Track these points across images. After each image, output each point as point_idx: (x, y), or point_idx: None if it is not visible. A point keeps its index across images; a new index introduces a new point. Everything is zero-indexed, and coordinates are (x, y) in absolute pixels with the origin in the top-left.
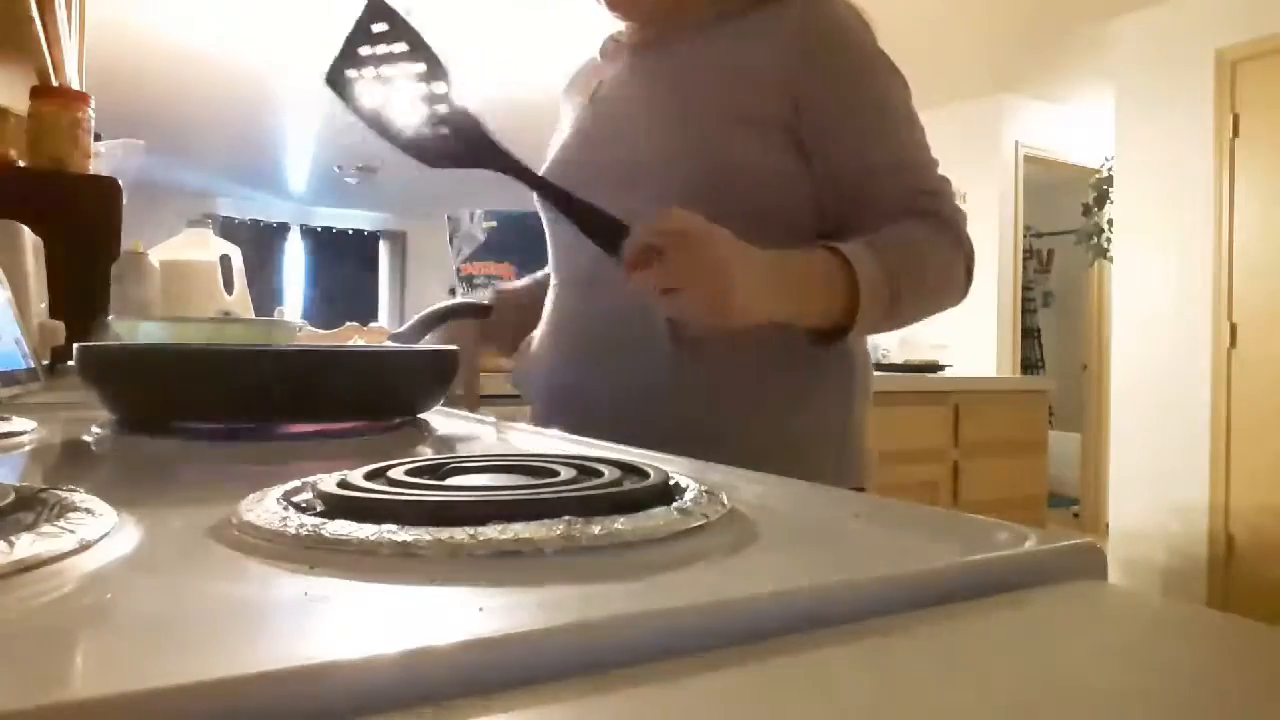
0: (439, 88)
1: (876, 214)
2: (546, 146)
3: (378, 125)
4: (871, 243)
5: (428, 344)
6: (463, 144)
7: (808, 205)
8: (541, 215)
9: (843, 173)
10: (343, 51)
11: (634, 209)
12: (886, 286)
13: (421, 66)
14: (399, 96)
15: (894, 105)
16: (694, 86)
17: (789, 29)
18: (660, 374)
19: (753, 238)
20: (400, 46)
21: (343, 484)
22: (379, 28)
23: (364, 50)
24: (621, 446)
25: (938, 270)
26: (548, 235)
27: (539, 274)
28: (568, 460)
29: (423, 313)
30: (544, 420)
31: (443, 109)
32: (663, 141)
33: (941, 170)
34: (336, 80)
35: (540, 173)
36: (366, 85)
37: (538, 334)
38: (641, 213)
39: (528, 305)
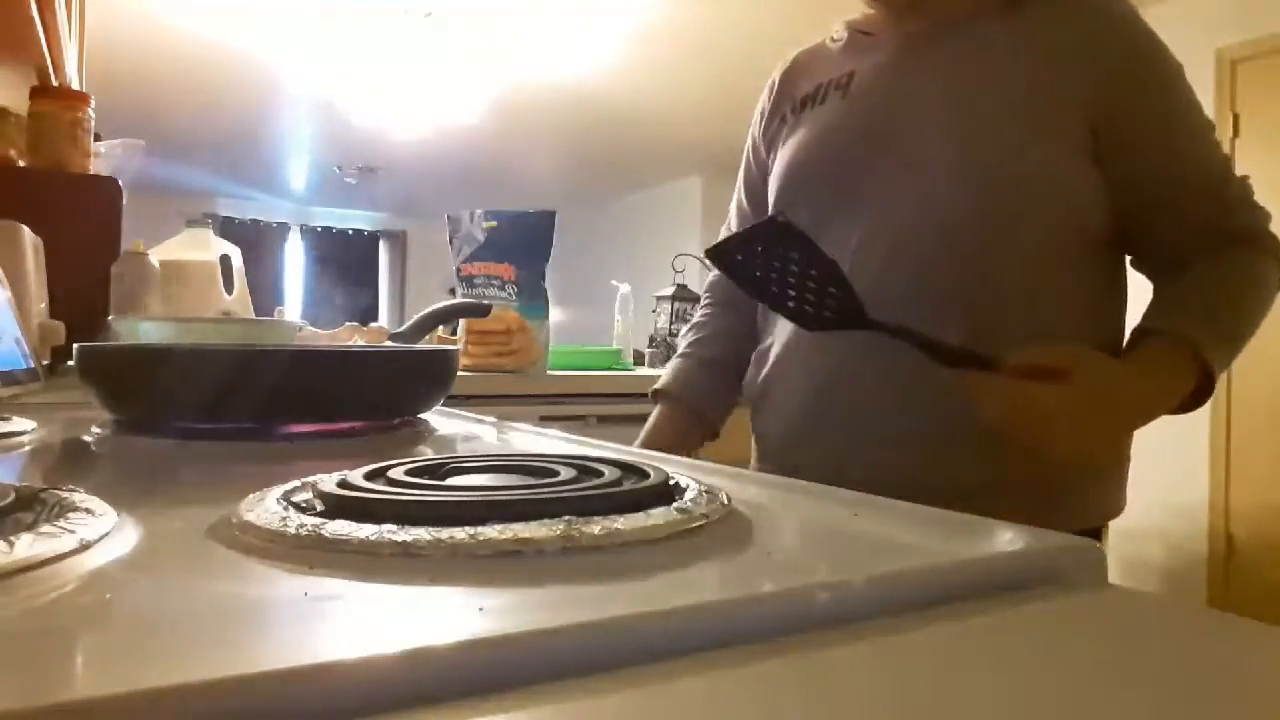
0: (833, 288)
1: (1185, 226)
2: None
3: (758, 291)
4: (1210, 312)
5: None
6: (844, 319)
7: (1102, 212)
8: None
9: (1149, 182)
10: (737, 241)
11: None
12: (1230, 353)
13: (814, 272)
14: (788, 279)
15: (1197, 111)
16: (978, 83)
17: (1078, 25)
18: (935, 407)
19: (1040, 245)
20: (795, 254)
21: (343, 484)
22: (780, 243)
23: (758, 248)
24: (621, 446)
25: (1267, 301)
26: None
27: (715, 334)
28: (568, 460)
29: (423, 313)
30: (775, 462)
31: (834, 301)
32: (945, 143)
33: None
34: (719, 257)
35: (794, 166)
36: (750, 264)
37: (780, 369)
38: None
39: (723, 386)
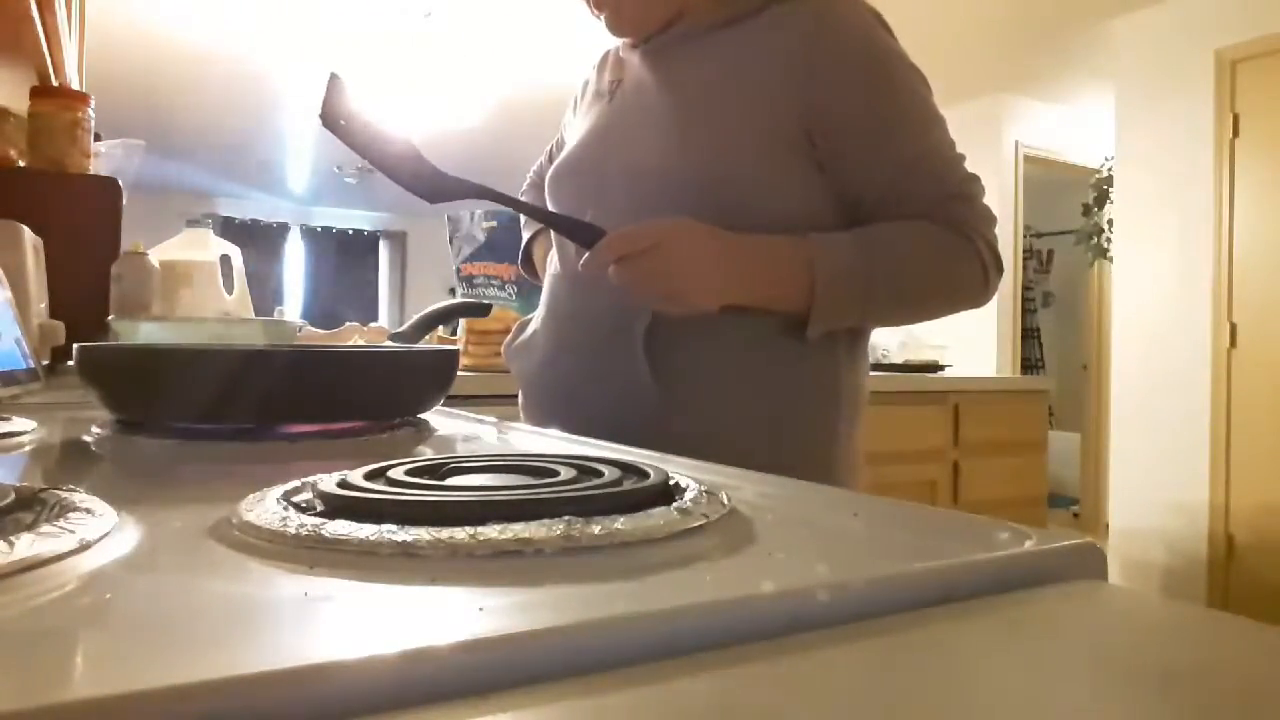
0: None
1: (905, 216)
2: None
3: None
4: (858, 233)
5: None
6: (432, 184)
7: (827, 215)
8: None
9: (866, 180)
10: (326, 104)
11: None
12: (857, 274)
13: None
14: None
15: (911, 106)
16: (703, 94)
17: (798, 33)
18: (636, 381)
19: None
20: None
21: (343, 484)
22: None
23: (342, 107)
24: (622, 446)
25: (933, 264)
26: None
27: None
28: (568, 460)
29: (423, 312)
30: (530, 403)
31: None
32: (668, 150)
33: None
34: (332, 123)
35: (559, 164)
36: (356, 129)
37: (535, 317)
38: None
39: None
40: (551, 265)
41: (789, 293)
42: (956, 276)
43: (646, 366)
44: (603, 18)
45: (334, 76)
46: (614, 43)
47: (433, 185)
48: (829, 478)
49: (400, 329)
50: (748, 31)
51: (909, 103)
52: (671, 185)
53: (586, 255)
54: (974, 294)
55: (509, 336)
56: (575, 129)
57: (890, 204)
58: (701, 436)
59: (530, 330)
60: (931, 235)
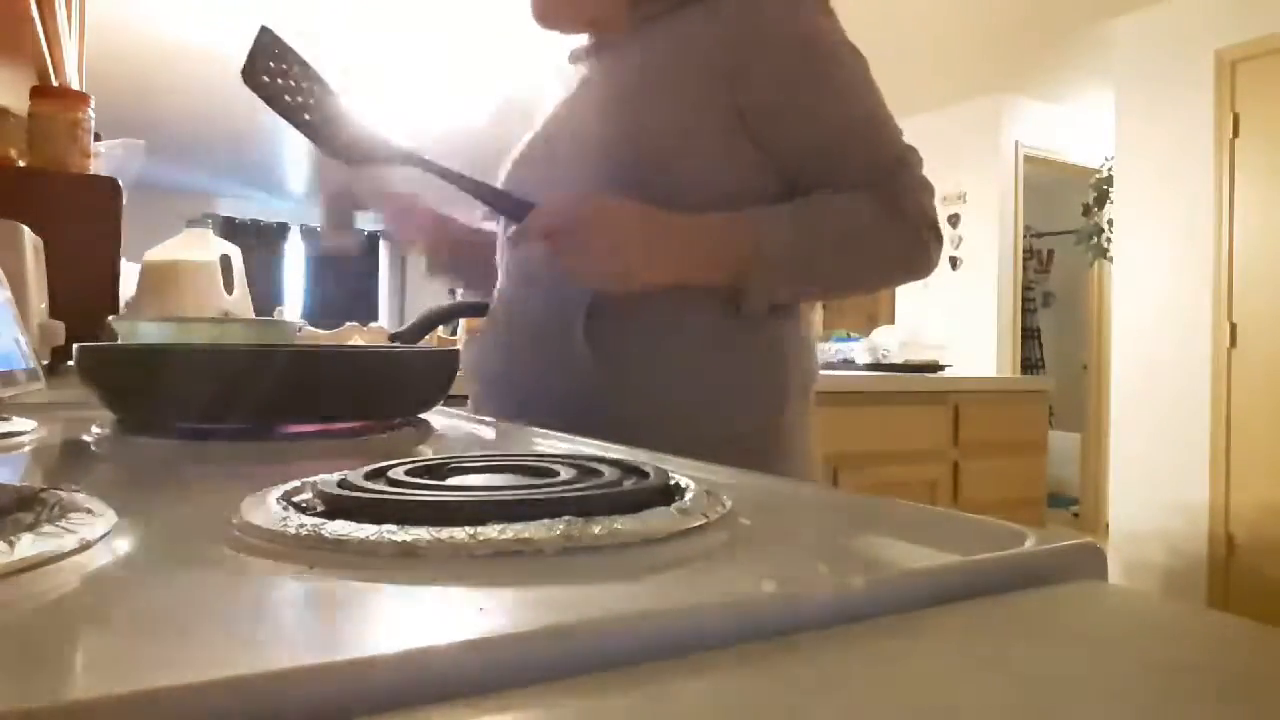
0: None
1: (842, 188)
2: None
3: (298, 123)
4: (788, 206)
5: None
6: (366, 145)
7: (767, 189)
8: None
9: (798, 151)
10: (251, 61)
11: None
12: (789, 247)
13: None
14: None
15: (839, 78)
16: (639, 79)
17: (727, 15)
18: (578, 371)
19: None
20: (296, 68)
21: (343, 484)
22: (274, 52)
23: (270, 65)
24: (622, 447)
25: (866, 233)
26: (500, 221)
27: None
28: (568, 460)
29: (423, 312)
30: (481, 400)
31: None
32: (609, 136)
33: (942, 170)
34: (254, 81)
35: (512, 160)
36: (280, 89)
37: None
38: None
39: (468, 244)
40: (503, 260)
41: (723, 268)
42: (892, 247)
43: (588, 352)
44: (531, 9)
45: (263, 30)
46: (574, 44)
47: (352, 148)
48: (776, 458)
49: (400, 329)
50: (681, 19)
51: (836, 74)
52: (614, 169)
53: (515, 228)
54: (913, 265)
55: (466, 339)
56: (537, 124)
57: (825, 174)
58: (645, 419)
59: (483, 325)
60: (865, 204)
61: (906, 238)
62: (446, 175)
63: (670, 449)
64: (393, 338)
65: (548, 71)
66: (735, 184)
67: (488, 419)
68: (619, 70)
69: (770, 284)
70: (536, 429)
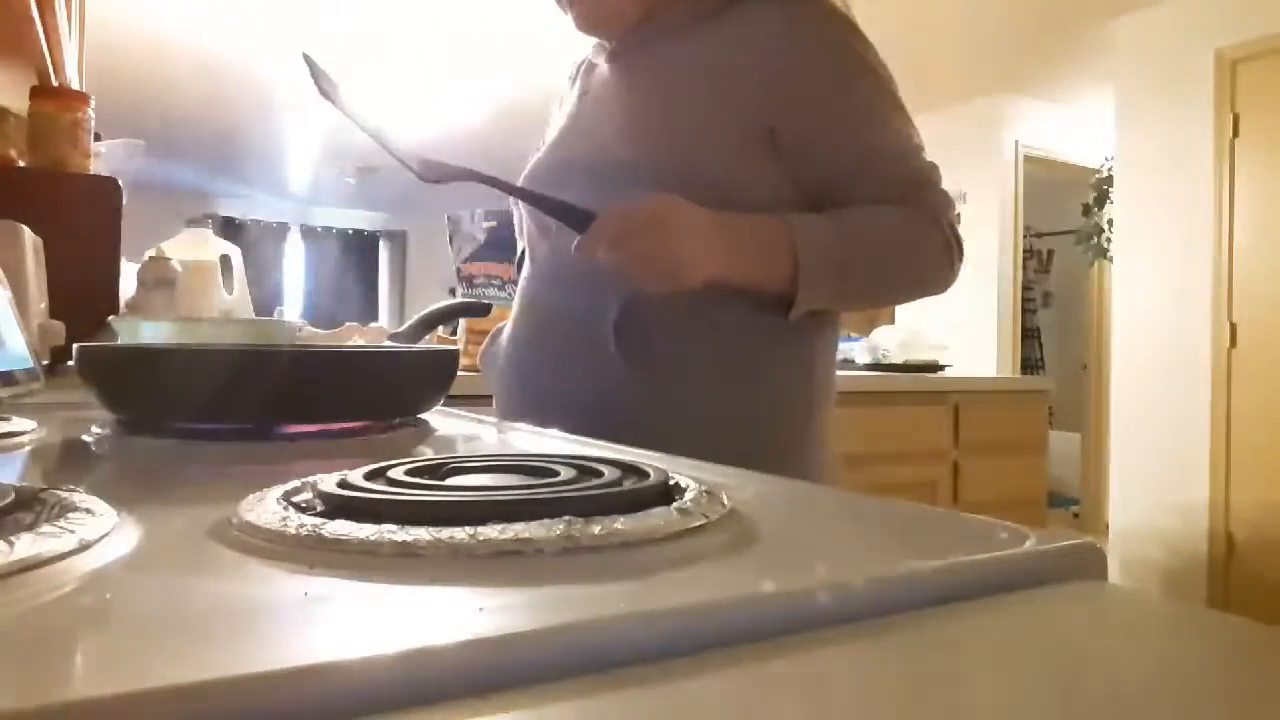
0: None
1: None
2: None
3: (380, 140)
4: (832, 215)
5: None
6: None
7: (787, 204)
8: (515, 205)
9: (828, 169)
10: (316, 81)
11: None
12: (836, 254)
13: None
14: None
15: (874, 98)
16: (667, 90)
17: (766, 30)
18: (608, 377)
19: None
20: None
21: (343, 484)
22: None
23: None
24: (621, 446)
25: (904, 245)
26: (525, 223)
27: None
28: (568, 460)
29: (423, 312)
30: (504, 403)
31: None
32: (631, 146)
33: (942, 170)
34: (335, 101)
35: (529, 168)
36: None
37: (510, 317)
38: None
39: None
40: (524, 267)
41: (774, 271)
42: (926, 258)
43: (620, 358)
44: (571, 15)
45: (307, 56)
46: (587, 47)
47: (428, 167)
48: (803, 468)
49: (400, 329)
50: (715, 29)
51: (872, 94)
52: (635, 180)
53: (580, 238)
54: (942, 276)
55: (484, 344)
56: (549, 132)
57: (853, 190)
58: (677, 425)
59: (504, 335)
60: (902, 218)
61: (938, 250)
62: (510, 190)
63: (699, 455)
64: (393, 338)
65: (558, 72)
66: (759, 198)
67: (487, 419)
68: (645, 79)
69: (817, 292)
70: (537, 429)
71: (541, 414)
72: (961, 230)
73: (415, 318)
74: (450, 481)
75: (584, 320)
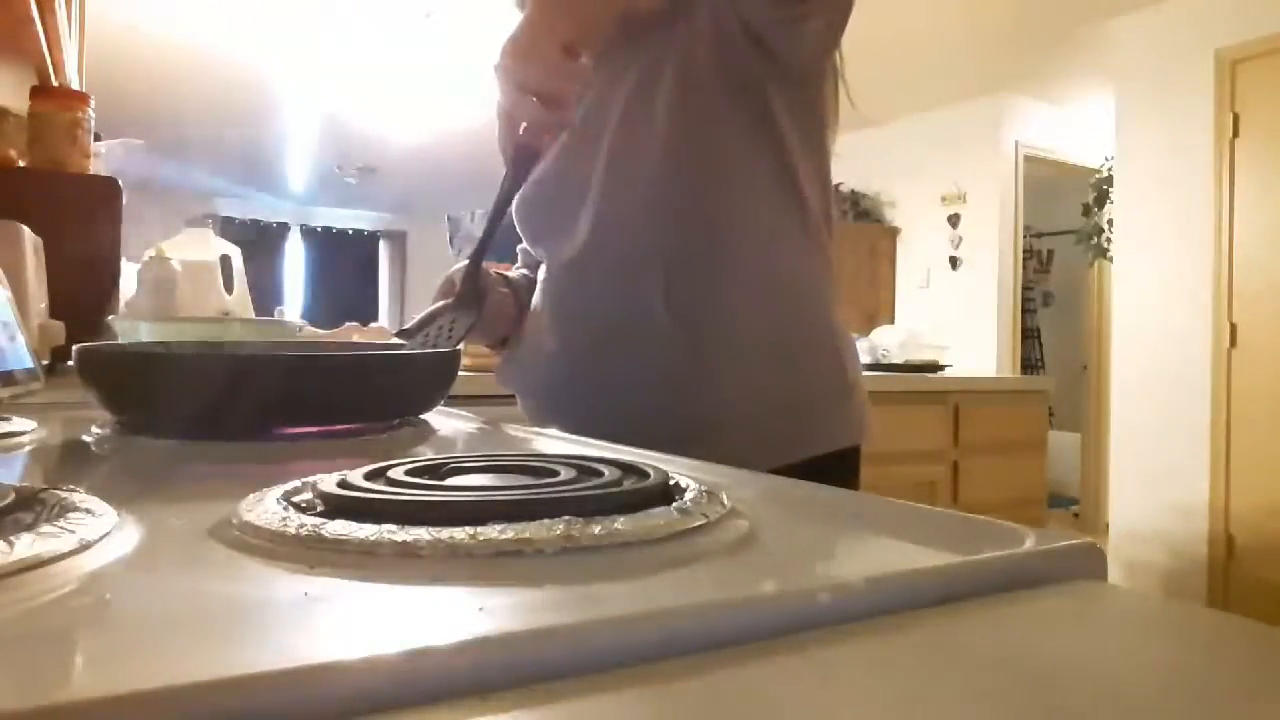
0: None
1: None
2: None
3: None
4: None
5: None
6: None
7: (766, 154)
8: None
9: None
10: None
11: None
12: None
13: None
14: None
15: None
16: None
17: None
18: (661, 336)
19: (722, 199)
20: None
21: (343, 484)
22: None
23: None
24: (621, 446)
25: None
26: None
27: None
28: (568, 460)
29: (425, 311)
30: (543, 413)
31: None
32: (647, 130)
33: (942, 170)
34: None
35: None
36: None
37: (530, 325)
38: None
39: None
40: (542, 271)
41: None
42: None
43: (668, 317)
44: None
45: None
46: None
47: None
48: (847, 404)
49: (407, 326)
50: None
51: None
52: (661, 164)
53: (525, 127)
54: None
55: (499, 363)
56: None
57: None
58: (731, 376)
59: (526, 343)
60: None
61: None
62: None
63: (755, 412)
64: (399, 335)
65: None
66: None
67: (484, 420)
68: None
69: None
70: (537, 429)
71: (591, 409)
72: (961, 230)
73: (418, 316)
74: (450, 481)
75: (629, 298)
